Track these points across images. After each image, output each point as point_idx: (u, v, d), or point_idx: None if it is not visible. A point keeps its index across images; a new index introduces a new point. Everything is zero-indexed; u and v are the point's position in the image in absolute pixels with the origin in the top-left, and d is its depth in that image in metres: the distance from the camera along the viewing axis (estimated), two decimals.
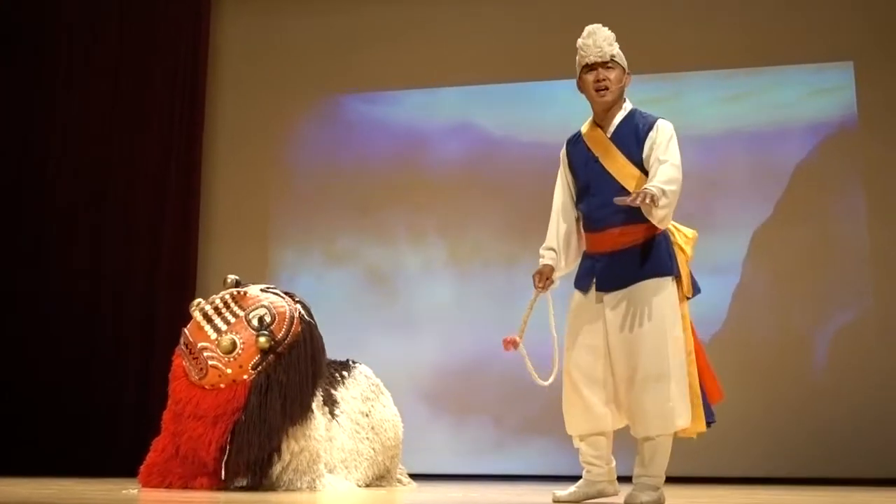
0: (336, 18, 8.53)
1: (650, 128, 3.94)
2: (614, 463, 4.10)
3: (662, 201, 3.68)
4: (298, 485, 4.86)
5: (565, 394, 3.99)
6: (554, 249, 4.07)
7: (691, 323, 3.92)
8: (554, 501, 4.02)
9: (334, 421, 5.33)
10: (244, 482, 4.86)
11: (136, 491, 4.84)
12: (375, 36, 8.45)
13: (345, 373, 5.73)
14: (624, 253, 3.83)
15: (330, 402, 5.40)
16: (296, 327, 4.99)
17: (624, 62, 4.08)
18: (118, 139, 8.43)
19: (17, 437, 7.83)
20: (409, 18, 8.46)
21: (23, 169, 8.45)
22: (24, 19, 8.68)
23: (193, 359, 4.95)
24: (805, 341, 7.42)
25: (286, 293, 5.19)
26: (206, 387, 4.90)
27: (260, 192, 8.44)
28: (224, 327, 4.99)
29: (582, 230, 4.09)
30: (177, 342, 5.13)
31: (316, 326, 5.14)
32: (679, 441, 7.29)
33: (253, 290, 5.15)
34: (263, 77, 8.60)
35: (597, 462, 4.01)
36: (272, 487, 4.86)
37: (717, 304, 7.54)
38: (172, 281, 8.06)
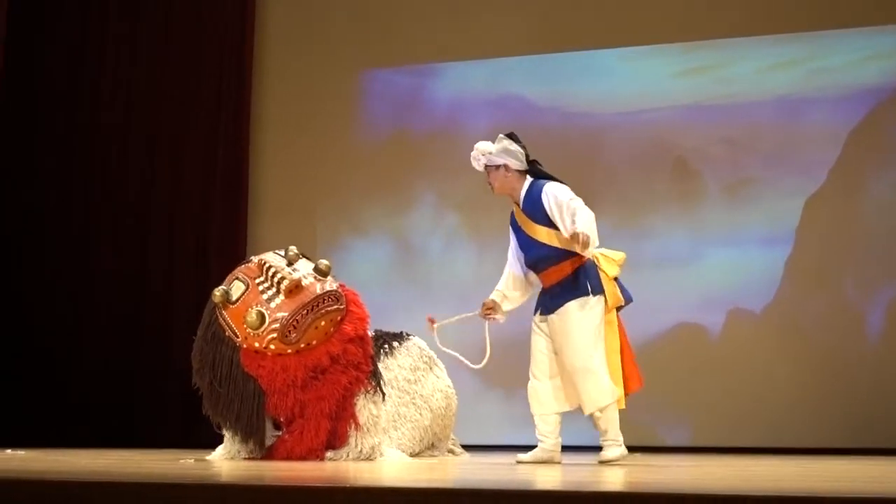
0: None
1: (540, 194, 5.08)
2: (560, 438, 5.17)
3: (592, 239, 4.86)
4: (366, 450, 5.03)
5: (529, 385, 5.19)
6: (500, 290, 5.25)
7: (620, 325, 5.06)
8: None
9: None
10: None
11: (192, 461, 4.88)
12: (417, 9, 8.41)
13: (395, 343, 5.76)
14: (556, 285, 5.05)
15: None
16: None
17: (502, 161, 5.12)
18: (166, 119, 8.55)
19: (65, 411, 8.01)
20: None
21: (75, 142, 8.60)
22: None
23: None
24: (858, 311, 7.32)
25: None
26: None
27: (302, 168, 8.48)
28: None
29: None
30: None
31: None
32: (730, 413, 7.22)
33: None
34: (305, 53, 8.61)
35: (548, 436, 5.12)
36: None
37: (770, 273, 7.46)
38: (222, 249, 8.14)
